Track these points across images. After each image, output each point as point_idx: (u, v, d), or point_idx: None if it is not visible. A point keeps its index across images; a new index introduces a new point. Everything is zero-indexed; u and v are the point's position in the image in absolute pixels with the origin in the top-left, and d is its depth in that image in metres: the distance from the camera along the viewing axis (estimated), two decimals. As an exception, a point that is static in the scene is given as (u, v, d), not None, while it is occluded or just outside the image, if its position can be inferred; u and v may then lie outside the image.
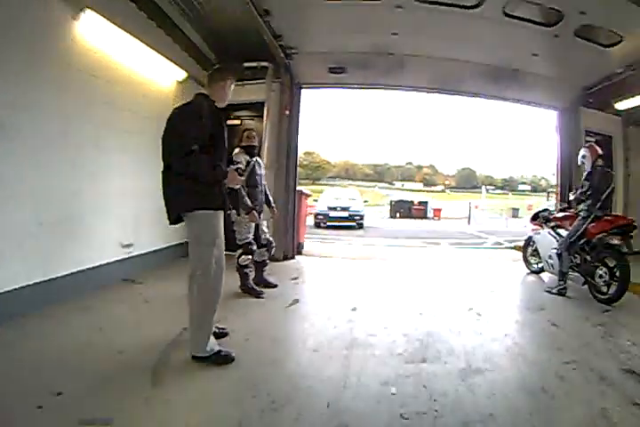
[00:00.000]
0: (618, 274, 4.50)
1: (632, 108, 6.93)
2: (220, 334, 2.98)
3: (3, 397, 2.15)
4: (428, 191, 64.90)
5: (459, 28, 5.28)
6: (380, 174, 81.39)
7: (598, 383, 2.62)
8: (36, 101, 3.60)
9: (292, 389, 2.42)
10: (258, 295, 4.40)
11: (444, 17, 4.99)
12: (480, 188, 51.78)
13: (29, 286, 3.51)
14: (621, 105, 7.05)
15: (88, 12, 3.95)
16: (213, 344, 2.74)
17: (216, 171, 2.72)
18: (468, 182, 72.06)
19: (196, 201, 2.68)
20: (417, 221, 22.57)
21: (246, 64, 6.28)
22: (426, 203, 27.29)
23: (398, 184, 75.30)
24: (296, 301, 4.37)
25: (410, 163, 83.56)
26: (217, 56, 6.79)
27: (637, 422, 2.13)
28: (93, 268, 4.35)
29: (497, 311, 4.34)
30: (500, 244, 10.35)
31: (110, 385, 2.37)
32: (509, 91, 6.95)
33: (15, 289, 3.37)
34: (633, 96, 6.58)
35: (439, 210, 27.16)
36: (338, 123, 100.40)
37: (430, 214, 26.43)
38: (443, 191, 68.42)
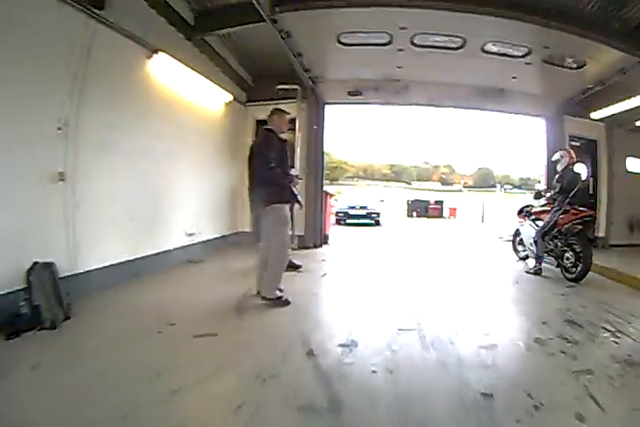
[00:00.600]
0: (582, 257, 5.55)
1: (612, 115, 7.88)
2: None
3: (133, 327, 3.39)
4: (445, 191, 65.32)
5: (448, 61, 6.49)
6: (397, 174, 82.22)
7: (540, 325, 3.74)
8: (127, 124, 4.84)
9: (329, 320, 3.80)
10: (297, 270, 5.70)
11: (436, 55, 6.20)
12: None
13: (128, 261, 4.84)
14: (596, 115, 8.09)
15: (160, 53, 5.18)
16: (276, 290, 4.12)
17: (286, 179, 4.12)
18: (485, 182, 72.57)
19: (274, 198, 4.02)
20: (433, 220, 23.13)
21: (279, 86, 7.58)
22: (441, 202, 27.37)
23: (416, 184, 76.06)
24: (325, 274, 5.74)
25: (427, 162, 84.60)
26: (253, 79, 8.15)
27: (560, 345, 3.23)
28: (167, 251, 5.70)
29: (481, 284, 5.54)
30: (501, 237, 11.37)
31: (207, 319, 3.65)
32: (499, 105, 8.05)
33: (120, 263, 4.71)
34: (606, 106, 7.64)
35: (454, 209, 27.54)
36: (356, 124, 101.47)
37: (446, 214, 26.77)
38: (460, 191, 69.02)
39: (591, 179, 8.97)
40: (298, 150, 7.75)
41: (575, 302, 4.63)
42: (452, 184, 77.38)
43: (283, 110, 4.43)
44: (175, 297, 4.34)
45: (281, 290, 4.27)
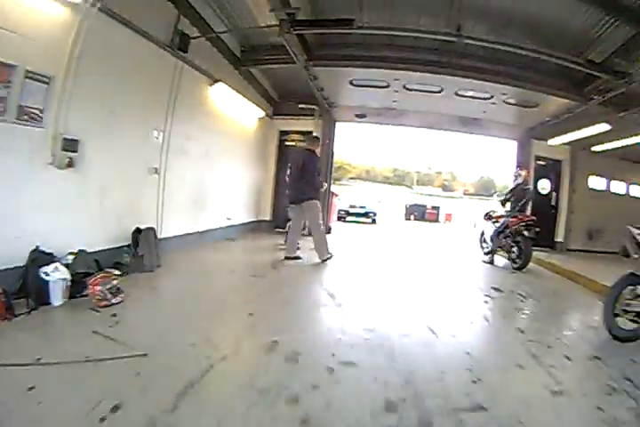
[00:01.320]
0: (524, 251, 7.48)
1: (569, 142, 9.72)
2: (296, 257, 6.37)
3: (207, 271, 5.29)
4: (446, 197, 66.94)
5: (432, 99, 8.61)
6: (399, 178, 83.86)
7: (475, 289, 5.69)
8: (195, 135, 6.76)
9: (333, 274, 5.79)
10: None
11: (422, 95, 8.35)
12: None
13: (189, 233, 6.78)
14: (552, 141, 9.91)
15: (220, 83, 7.11)
16: (327, 254, 6.32)
17: (321, 183, 6.27)
18: (486, 190, 74.08)
19: (313, 195, 6.18)
20: (428, 224, 24.84)
21: (300, 105, 9.66)
22: (438, 208, 29.09)
23: (417, 188, 77.49)
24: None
25: (430, 168, 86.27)
26: (279, 96, 10.12)
27: (481, 298, 5.12)
28: (213, 229, 7.67)
29: (446, 267, 7.50)
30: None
31: (254, 269, 5.65)
32: (476, 130, 10.21)
33: (184, 234, 6.64)
34: (560, 135, 9.49)
35: (450, 215, 29.30)
36: (361, 127, 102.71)
37: (442, 218, 28.49)
38: (460, 198, 70.64)
39: (554, 193, 10.84)
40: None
41: (510, 280, 6.55)
42: (453, 191, 79.17)
43: (317, 137, 6.84)
44: (227, 258, 6.36)
45: (297, 257, 6.44)
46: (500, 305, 4.98)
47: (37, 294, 3.52)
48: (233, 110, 8.01)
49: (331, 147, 10.24)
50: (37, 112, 3.82)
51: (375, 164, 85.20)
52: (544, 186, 10.86)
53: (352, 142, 68.27)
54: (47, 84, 3.89)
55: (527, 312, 4.81)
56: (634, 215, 8.66)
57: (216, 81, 7.04)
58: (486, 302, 5.02)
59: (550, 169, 10.82)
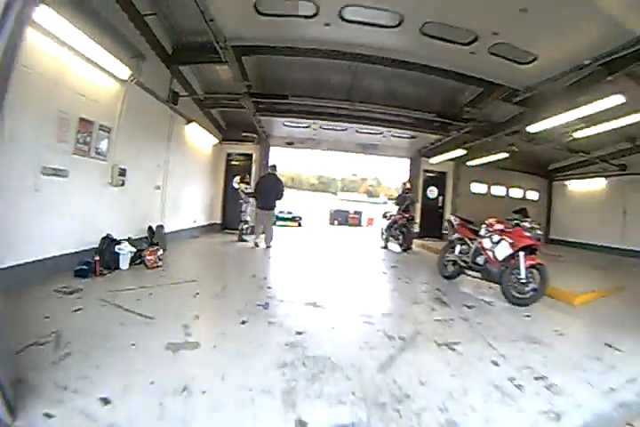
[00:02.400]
0: (406, 238, 11.50)
1: (453, 158, 13.69)
2: (256, 245, 9.91)
3: (197, 253, 8.59)
4: (371, 202, 71.09)
5: (340, 133, 12.61)
6: (325, 184, 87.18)
7: (367, 261, 9.47)
8: (178, 161, 9.90)
9: (277, 254, 9.43)
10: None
11: (334, 131, 12.30)
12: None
13: (172, 231, 9.83)
14: (432, 160, 14.08)
15: (193, 123, 10.34)
16: (271, 242, 9.93)
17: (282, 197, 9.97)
18: (408, 195, 79.81)
19: (275, 206, 10.09)
20: (350, 228, 27.34)
21: (244, 133, 13.20)
22: (360, 213, 30.98)
23: (342, 195, 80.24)
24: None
25: (355, 175, 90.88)
26: (226, 125, 13.47)
27: (373, 264, 8.97)
28: (184, 229, 10.84)
29: (352, 251, 11.25)
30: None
31: (226, 253, 9.13)
32: (376, 152, 14.47)
33: (170, 232, 9.67)
34: (435, 156, 13.78)
35: (372, 219, 32.26)
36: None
37: (364, 223, 30.70)
38: (385, 203, 74.75)
39: (440, 197, 15.12)
40: (253, 173, 13.29)
41: (395, 256, 10.36)
42: (377, 196, 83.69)
43: (275, 165, 10.32)
44: (203, 247, 9.75)
45: (256, 245, 9.90)
46: (379, 266, 8.77)
47: (113, 262, 6.14)
48: (198, 140, 11.29)
49: (266, 166, 13.59)
50: (104, 151, 6.31)
51: (300, 171, 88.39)
52: (432, 191, 15.07)
53: (277, 150, 70.36)
54: (108, 133, 6.34)
55: (395, 268, 8.54)
56: (509, 212, 12.70)
57: (190, 121, 10.19)
58: (372, 265, 8.79)
59: (438, 179, 15.14)
